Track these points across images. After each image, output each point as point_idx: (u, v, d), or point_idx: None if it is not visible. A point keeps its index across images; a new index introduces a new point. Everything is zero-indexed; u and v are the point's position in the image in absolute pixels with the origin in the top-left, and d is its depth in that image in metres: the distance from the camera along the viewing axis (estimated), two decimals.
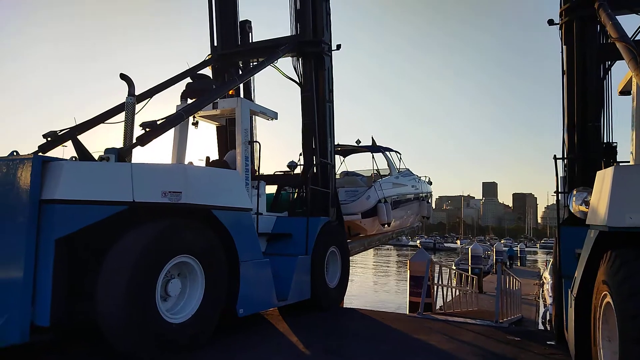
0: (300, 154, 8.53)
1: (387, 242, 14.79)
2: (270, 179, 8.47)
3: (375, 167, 12.39)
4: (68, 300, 4.16)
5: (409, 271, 13.04)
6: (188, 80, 7.27)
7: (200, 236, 4.76)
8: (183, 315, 4.55)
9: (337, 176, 10.89)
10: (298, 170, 8.28)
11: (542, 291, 21.46)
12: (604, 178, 3.34)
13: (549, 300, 16.12)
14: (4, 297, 3.93)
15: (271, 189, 8.49)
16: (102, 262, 4.16)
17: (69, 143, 5.58)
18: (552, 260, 9.34)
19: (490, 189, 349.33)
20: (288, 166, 8.22)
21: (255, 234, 5.96)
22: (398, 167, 12.66)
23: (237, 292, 5.30)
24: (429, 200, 14.60)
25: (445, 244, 70.09)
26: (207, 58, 8.86)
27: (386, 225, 11.13)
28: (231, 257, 5.25)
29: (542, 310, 17.43)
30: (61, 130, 5.84)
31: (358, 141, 12.19)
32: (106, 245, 4.26)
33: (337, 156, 11.12)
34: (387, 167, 12.42)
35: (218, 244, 4.99)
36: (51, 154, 5.67)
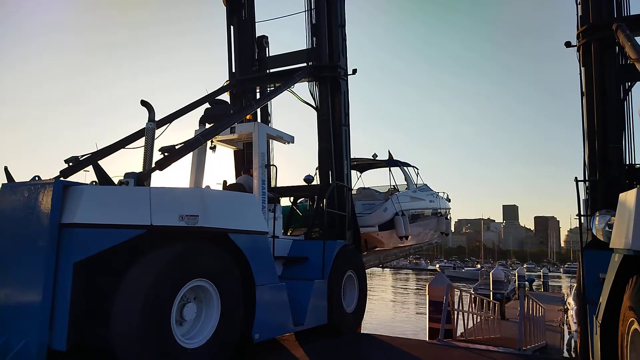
0: (317, 169, 8.56)
1: (404, 257, 14.58)
2: (287, 191, 8.49)
3: (393, 182, 12.31)
4: (85, 324, 4.17)
5: (428, 296, 12.78)
6: (206, 105, 7.40)
7: (217, 260, 4.76)
8: (198, 340, 4.51)
9: (354, 192, 10.84)
10: (314, 183, 8.30)
11: (567, 317, 20.79)
12: (626, 200, 3.26)
13: (574, 327, 15.59)
14: (22, 321, 3.97)
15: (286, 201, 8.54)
16: (118, 286, 4.18)
17: (90, 168, 5.69)
18: (576, 285, 9.06)
19: (511, 212, 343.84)
20: (305, 180, 8.25)
21: (272, 257, 5.93)
22: (416, 182, 12.55)
23: (253, 316, 5.25)
24: (448, 217, 14.38)
25: (465, 268, 68.58)
26: (225, 84, 9.04)
27: (404, 239, 10.98)
28: (247, 281, 5.22)
29: (567, 337, 16.84)
30: (82, 156, 5.97)
31: (375, 155, 12.16)
32: (123, 268, 4.29)
33: (353, 171, 11.10)
34: (405, 182, 12.32)
35: (234, 267, 4.98)
36: (73, 178, 5.79)
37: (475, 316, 12.53)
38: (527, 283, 34.91)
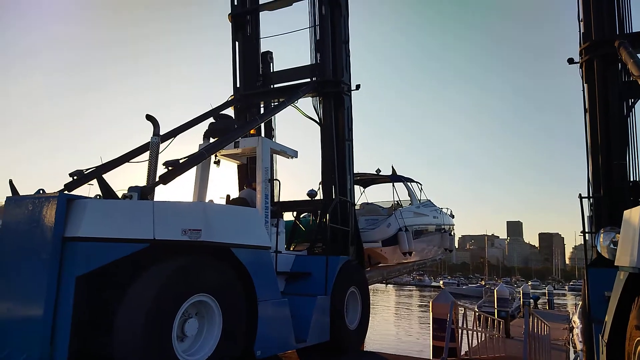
0: (320, 183, 8.57)
1: (408, 273, 14.49)
2: (290, 206, 8.48)
3: (396, 197, 12.29)
4: (86, 339, 4.14)
5: (431, 313, 12.65)
6: (211, 120, 7.45)
7: (219, 275, 4.74)
8: (200, 356, 4.47)
9: (357, 207, 10.82)
10: (317, 198, 8.29)
11: (572, 336, 20.51)
12: (631, 217, 3.24)
13: (579, 346, 15.37)
14: (23, 335, 3.95)
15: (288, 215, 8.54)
16: (120, 301, 4.16)
17: (95, 181, 5.71)
18: (581, 303, 8.97)
19: (515, 228, 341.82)
20: (308, 195, 8.24)
21: (274, 272, 5.90)
22: (419, 198, 12.53)
23: (255, 333, 5.20)
24: (452, 233, 14.32)
25: (469, 285, 67.84)
26: (230, 99, 9.11)
27: (407, 255, 10.91)
28: (249, 297, 5.19)
29: (572, 356, 16.62)
30: (87, 169, 6.00)
31: (378, 170, 12.17)
32: (126, 282, 4.27)
33: (356, 186, 11.09)
34: (408, 198, 12.30)
35: (236, 282, 4.95)
36: (77, 192, 5.81)
37: (479, 334, 12.39)
38: (532, 301, 34.57)
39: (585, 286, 5.77)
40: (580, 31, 6.97)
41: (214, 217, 4.87)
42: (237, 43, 9.37)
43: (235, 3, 9.41)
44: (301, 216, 9.01)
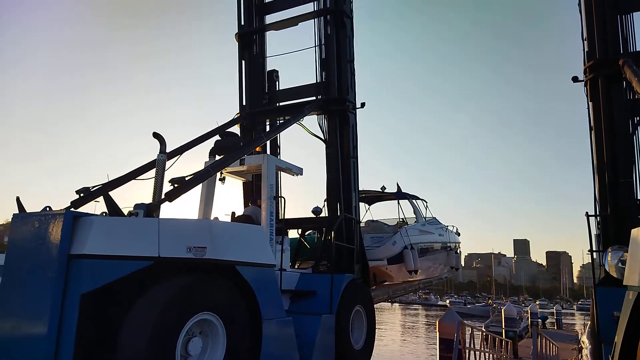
0: (325, 201, 8.56)
1: (413, 291, 14.31)
2: (295, 223, 8.46)
3: (402, 215, 12.23)
4: (90, 356, 4.12)
5: (438, 333, 12.49)
6: (217, 137, 7.50)
7: (223, 293, 4.71)
8: None
9: (362, 224, 10.78)
10: (322, 216, 8.28)
11: (581, 357, 20.12)
12: (639, 236, 3.21)
13: None
14: (28, 351, 3.93)
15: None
16: (124, 318, 4.14)
17: (101, 198, 5.74)
18: (589, 323, 8.82)
19: (522, 246, 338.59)
20: (313, 212, 8.23)
21: (279, 291, 5.86)
22: (424, 216, 12.46)
23: (259, 352, 5.15)
24: (458, 251, 14.19)
25: (476, 304, 66.87)
26: (236, 116, 9.18)
27: (413, 273, 10.81)
28: (253, 315, 5.15)
29: None
30: (94, 187, 6.03)
31: (383, 187, 12.13)
32: (130, 299, 4.26)
33: (361, 204, 11.06)
34: (414, 215, 12.24)
35: (241, 301, 4.92)
36: (84, 209, 5.84)
37: (487, 355, 12.20)
38: (540, 320, 34.05)
39: (593, 306, 5.69)
40: (584, 50, 7.02)
41: (219, 234, 4.87)
42: (243, 62, 9.49)
43: (242, 23, 9.57)
44: (306, 233, 8.99)
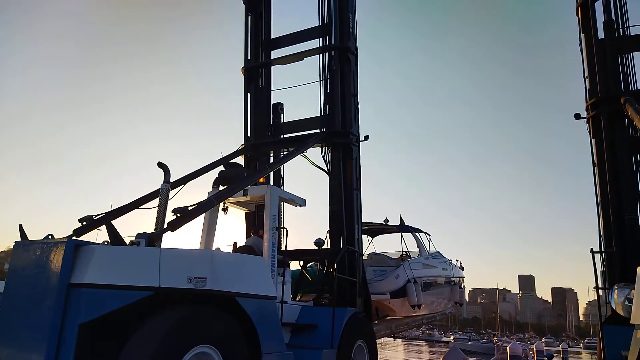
0: (328, 232, 8.52)
1: (417, 327, 14.00)
2: (297, 254, 8.40)
3: (405, 248, 12.11)
4: None
5: None
6: (221, 168, 7.56)
7: (223, 325, 4.64)
8: None
9: (365, 257, 10.67)
10: (325, 247, 8.23)
11: None
12: None
13: None
14: None
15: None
16: (122, 350, 4.07)
17: (104, 227, 5.74)
18: None
19: (527, 282, 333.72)
20: (315, 244, 8.17)
21: (279, 324, 5.78)
22: (428, 249, 12.35)
23: None
24: (462, 286, 13.98)
25: (480, 341, 65.27)
26: (240, 147, 9.27)
27: (416, 308, 10.63)
28: (253, 349, 5.06)
29: None
30: (96, 215, 6.05)
31: (386, 220, 12.06)
32: (129, 329, 4.20)
33: (364, 236, 10.99)
34: (417, 249, 12.12)
35: (240, 334, 4.84)
36: (86, 238, 5.83)
37: None
38: (546, 359, 33.22)
39: (600, 344, 5.57)
40: (585, 87, 7.12)
41: (220, 265, 4.84)
42: (249, 94, 9.66)
43: (249, 57, 9.80)
44: (308, 265, 8.92)
